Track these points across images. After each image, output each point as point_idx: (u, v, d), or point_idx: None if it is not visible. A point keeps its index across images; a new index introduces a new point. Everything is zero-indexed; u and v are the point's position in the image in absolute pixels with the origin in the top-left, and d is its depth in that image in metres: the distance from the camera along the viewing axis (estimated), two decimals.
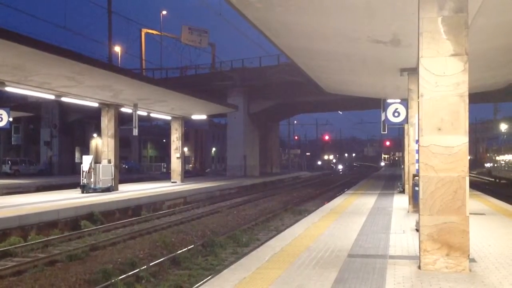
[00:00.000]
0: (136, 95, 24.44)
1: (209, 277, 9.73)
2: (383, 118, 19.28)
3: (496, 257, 8.44)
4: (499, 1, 9.35)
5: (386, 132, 21.74)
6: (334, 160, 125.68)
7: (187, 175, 41.68)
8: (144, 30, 55.96)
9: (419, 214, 7.60)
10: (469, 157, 7.80)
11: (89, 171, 24.35)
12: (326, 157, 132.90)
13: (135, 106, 26.20)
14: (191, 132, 72.59)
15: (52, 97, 22.10)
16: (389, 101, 19.10)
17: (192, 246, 13.90)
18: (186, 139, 47.93)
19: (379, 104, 20.93)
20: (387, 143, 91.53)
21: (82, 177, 24.45)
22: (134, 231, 16.71)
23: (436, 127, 7.45)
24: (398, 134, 68.40)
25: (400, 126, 21.04)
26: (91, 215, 18.17)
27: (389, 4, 9.54)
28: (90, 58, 19.44)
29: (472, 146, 76.19)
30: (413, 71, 15.11)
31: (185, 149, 54.61)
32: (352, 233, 11.30)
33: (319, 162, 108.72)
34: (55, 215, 16.70)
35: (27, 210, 16.46)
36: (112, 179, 25.41)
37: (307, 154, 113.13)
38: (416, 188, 11.61)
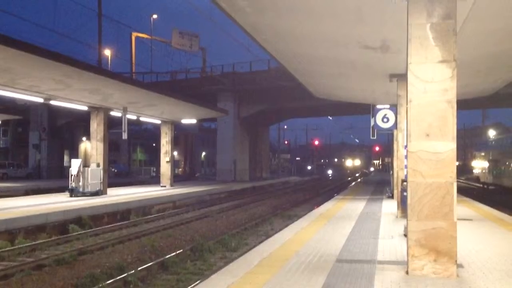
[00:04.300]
0: (126, 99, 24.36)
1: (198, 282, 9.69)
2: (372, 123, 19.34)
3: (483, 263, 8.49)
4: (487, 8, 9.44)
5: (375, 138, 21.82)
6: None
7: (176, 179, 41.55)
8: (134, 34, 55.88)
9: (407, 220, 7.64)
10: (457, 163, 7.85)
11: (77, 175, 24.20)
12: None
13: (125, 110, 26.10)
14: (181, 136, 72.50)
15: (40, 100, 21.97)
16: (378, 106, 19.17)
17: (181, 250, 13.85)
18: (176, 143, 47.80)
19: (368, 109, 21.00)
20: (377, 148, 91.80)
21: (71, 180, 24.30)
22: (122, 235, 16.63)
23: (424, 133, 7.50)
24: (387, 139, 68.68)
25: (389, 131, 21.11)
26: (80, 219, 18.05)
27: (378, 10, 9.60)
28: (79, 61, 19.35)
29: (460, 152, 76.65)
30: (402, 77, 15.18)
31: (175, 153, 54.45)
32: (341, 238, 11.32)
33: (309, 167, 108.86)
34: (43, 219, 16.59)
35: (14, 214, 16.33)
36: (100, 183, 25.28)
37: (297, 158, 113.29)
38: (405, 194, 11.66)
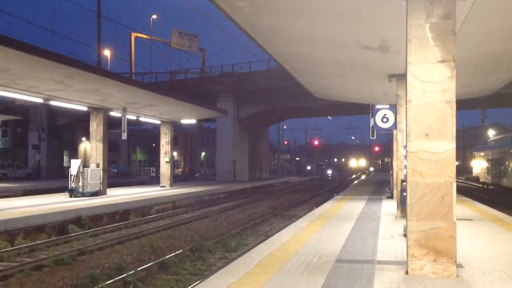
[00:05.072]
0: (125, 99, 24.36)
1: (197, 282, 9.69)
2: (371, 123, 19.34)
3: (483, 263, 8.49)
4: (486, 9, 9.44)
5: (375, 138, 21.81)
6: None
7: (176, 180, 41.56)
8: (133, 34, 55.82)
9: (406, 220, 7.64)
10: (456, 163, 7.86)
11: (77, 175, 24.20)
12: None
13: (124, 110, 26.10)
14: (180, 136, 72.47)
15: (40, 100, 21.97)
16: (377, 106, 19.17)
17: (181, 251, 13.84)
18: (175, 143, 47.84)
19: (368, 109, 21.01)
20: (376, 148, 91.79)
21: (70, 181, 24.29)
22: (122, 236, 16.62)
23: (424, 133, 7.50)
24: (387, 139, 68.67)
25: (388, 131, 21.11)
26: (79, 220, 18.04)
27: (377, 10, 9.59)
28: (79, 61, 19.35)
29: (460, 152, 76.60)
30: (402, 77, 15.19)
31: (175, 153, 54.44)
32: (341, 238, 11.32)
33: (309, 167, 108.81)
34: (42, 219, 16.58)
35: (14, 214, 16.32)
36: (100, 183, 25.27)
37: (296, 159, 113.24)
38: (404, 194, 11.66)
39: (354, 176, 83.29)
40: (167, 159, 34.53)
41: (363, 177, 70.36)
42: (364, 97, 22.16)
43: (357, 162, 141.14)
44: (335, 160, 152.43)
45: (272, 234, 14.12)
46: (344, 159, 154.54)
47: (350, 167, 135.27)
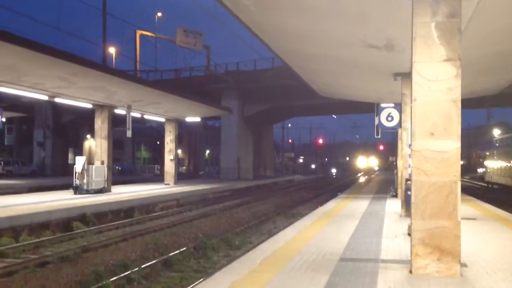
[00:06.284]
0: (130, 97, 24.39)
1: (201, 279, 9.71)
2: (376, 122, 19.29)
3: (487, 262, 8.47)
4: (492, 7, 9.40)
5: (379, 136, 21.77)
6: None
7: (180, 177, 41.61)
8: (138, 32, 55.82)
9: (411, 219, 7.62)
10: (461, 162, 7.83)
11: (82, 173, 24.27)
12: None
13: (129, 108, 26.15)
14: (185, 134, 72.55)
15: (45, 97, 22.02)
16: (382, 105, 19.11)
17: (185, 248, 13.86)
18: (180, 141, 47.92)
19: (372, 108, 20.95)
20: (381, 147, 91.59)
21: (75, 178, 24.37)
22: (126, 233, 16.66)
23: (429, 131, 7.48)
24: (391, 138, 68.50)
25: (393, 130, 21.04)
26: (84, 217, 18.09)
27: (382, 9, 9.57)
28: (84, 59, 19.38)
29: (465, 151, 76.34)
30: (407, 76, 15.12)
31: (179, 151, 54.49)
32: (344, 236, 11.31)
33: (313, 166, 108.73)
34: (47, 216, 16.63)
35: (18, 211, 16.38)
36: (105, 180, 25.32)
37: (301, 157, 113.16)
38: (409, 193, 11.64)
39: (359, 174, 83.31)
40: (172, 157, 34.58)
41: (367, 176, 70.36)
42: (369, 95, 22.11)
43: (361, 161, 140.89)
44: (340, 159, 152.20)
45: (276, 233, 14.13)
46: (349, 157, 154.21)
47: (354, 166, 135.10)
